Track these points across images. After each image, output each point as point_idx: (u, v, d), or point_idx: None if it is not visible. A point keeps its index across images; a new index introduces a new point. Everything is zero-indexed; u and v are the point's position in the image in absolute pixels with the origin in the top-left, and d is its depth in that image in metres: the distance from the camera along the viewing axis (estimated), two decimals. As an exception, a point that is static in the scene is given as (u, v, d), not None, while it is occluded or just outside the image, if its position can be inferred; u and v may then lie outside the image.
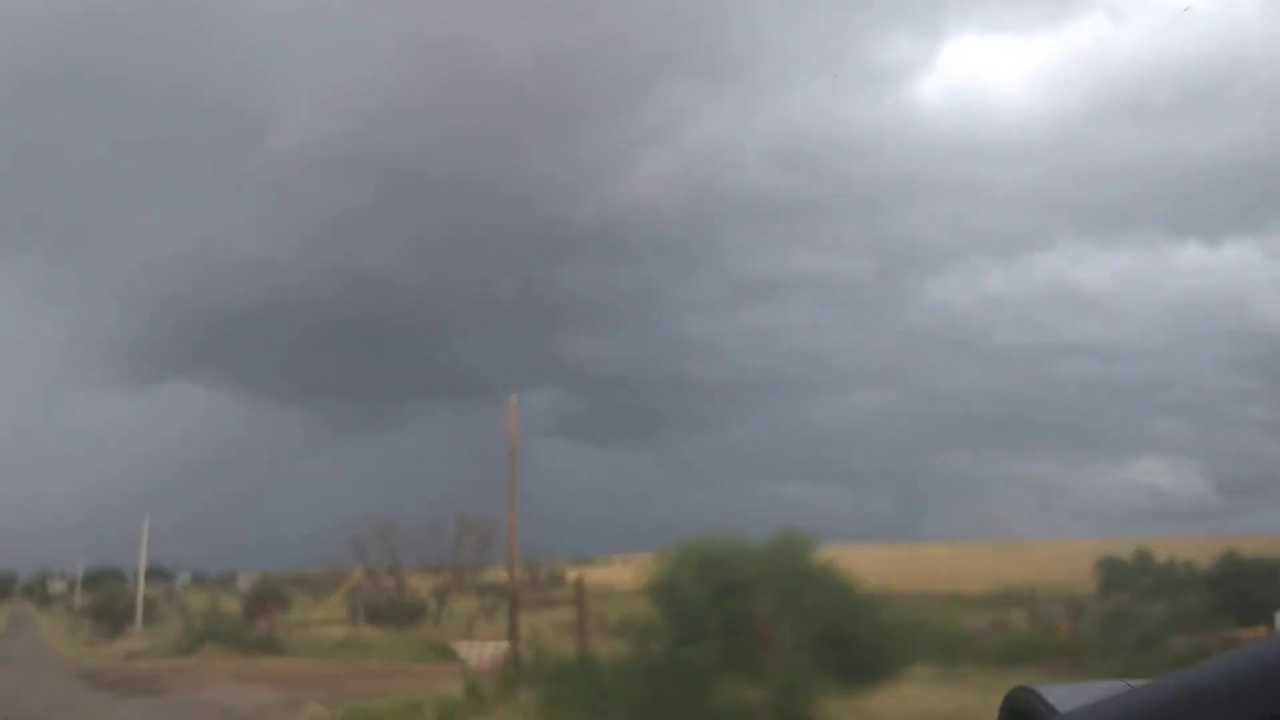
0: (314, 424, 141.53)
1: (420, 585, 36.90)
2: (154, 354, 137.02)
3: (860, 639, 9.61)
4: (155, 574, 66.21)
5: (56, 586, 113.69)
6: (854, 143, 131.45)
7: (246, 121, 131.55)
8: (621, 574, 36.36)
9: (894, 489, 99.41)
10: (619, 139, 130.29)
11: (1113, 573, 46.43)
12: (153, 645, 33.39)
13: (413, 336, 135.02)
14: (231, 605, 42.02)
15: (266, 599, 35.75)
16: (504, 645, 29.49)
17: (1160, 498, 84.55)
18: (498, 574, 38.61)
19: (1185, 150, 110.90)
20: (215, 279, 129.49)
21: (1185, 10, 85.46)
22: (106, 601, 54.60)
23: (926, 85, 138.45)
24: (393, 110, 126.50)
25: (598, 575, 44.92)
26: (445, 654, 29.17)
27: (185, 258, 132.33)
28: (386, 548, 35.57)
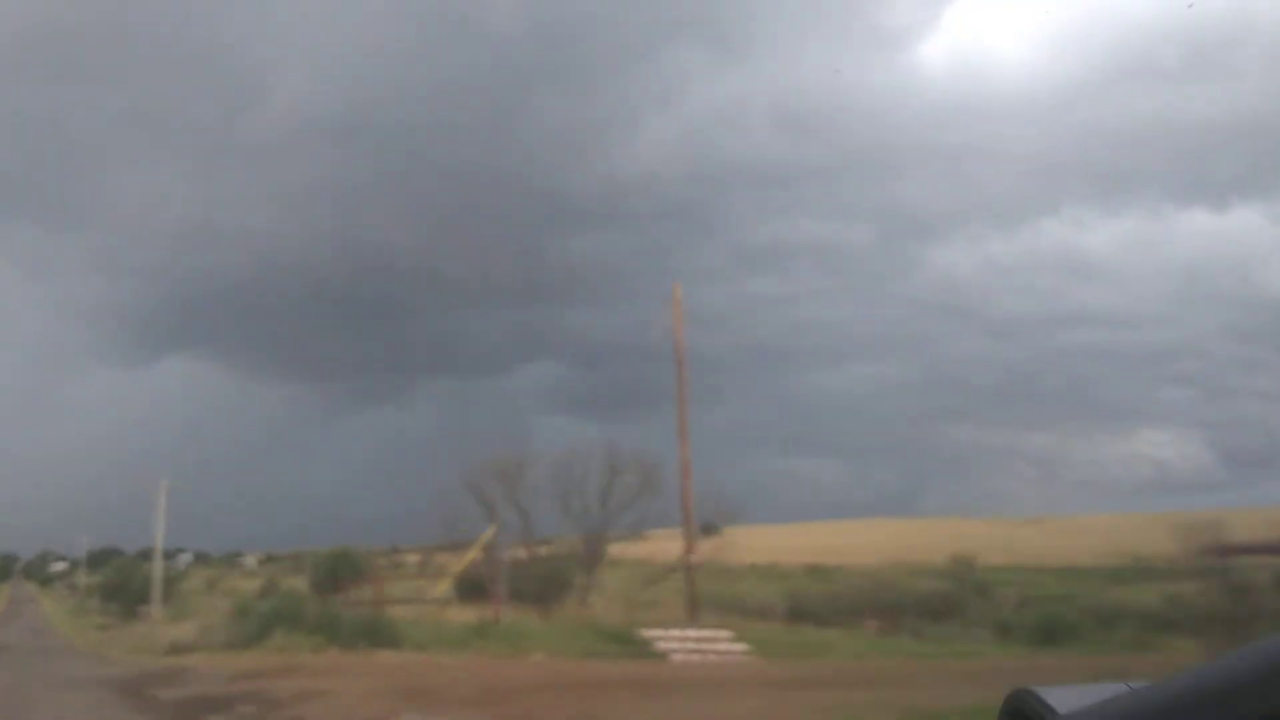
0: (311, 401, 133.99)
1: (547, 551, 27.99)
2: (150, 329, 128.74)
3: None
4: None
5: (58, 566, 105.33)
6: (858, 106, 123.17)
7: (240, 83, 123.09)
8: (649, 549, 29.58)
9: (896, 462, 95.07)
10: (622, 104, 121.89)
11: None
12: (200, 633, 24.51)
13: (411, 310, 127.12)
14: (297, 582, 33.01)
15: (346, 572, 26.79)
16: (721, 634, 20.63)
17: (1164, 470, 79.92)
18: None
19: (1192, 113, 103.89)
20: (209, 250, 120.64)
21: (1189, 6, 78.74)
22: (117, 578, 46.13)
23: (931, 48, 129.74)
24: (389, 78, 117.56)
25: (629, 551, 36.30)
26: (623, 642, 20.44)
27: (179, 228, 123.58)
28: (513, 501, 26.53)
